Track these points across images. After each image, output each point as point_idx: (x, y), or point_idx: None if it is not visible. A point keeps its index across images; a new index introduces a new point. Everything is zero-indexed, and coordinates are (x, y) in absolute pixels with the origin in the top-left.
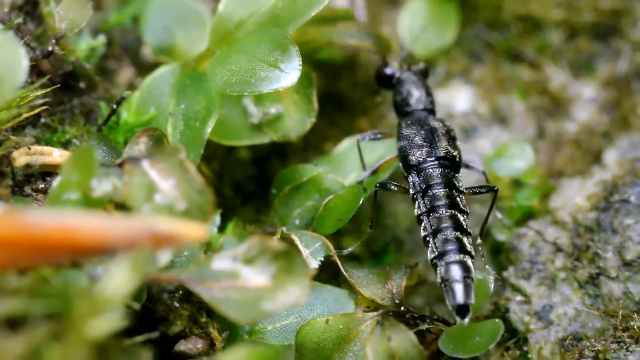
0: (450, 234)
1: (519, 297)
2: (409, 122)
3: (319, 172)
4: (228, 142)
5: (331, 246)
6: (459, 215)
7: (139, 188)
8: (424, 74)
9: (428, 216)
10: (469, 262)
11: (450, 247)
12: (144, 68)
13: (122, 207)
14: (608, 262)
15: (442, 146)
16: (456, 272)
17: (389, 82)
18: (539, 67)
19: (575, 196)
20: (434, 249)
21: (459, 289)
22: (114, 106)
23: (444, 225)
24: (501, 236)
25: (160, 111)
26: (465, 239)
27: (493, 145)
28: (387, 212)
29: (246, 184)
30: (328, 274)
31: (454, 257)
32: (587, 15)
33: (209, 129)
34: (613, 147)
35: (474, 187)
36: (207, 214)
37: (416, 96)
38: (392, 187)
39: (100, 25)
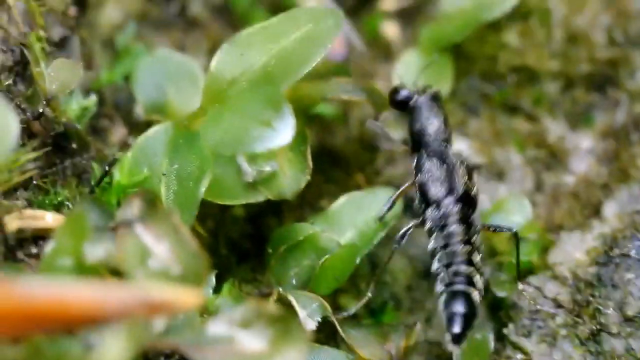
0: (462, 268)
1: (519, 356)
2: (430, 154)
3: (315, 231)
4: (223, 201)
5: (328, 307)
6: (473, 252)
7: (132, 253)
8: (437, 99)
9: (443, 249)
10: (476, 296)
11: (459, 278)
12: (137, 126)
13: (116, 271)
14: (609, 318)
15: (462, 183)
16: (460, 301)
17: (404, 106)
18: (535, 118)
19: (574, 250)
20: (444, 280)
21: (458, 317)
22: (107, 168)
23: (457, 259)
24: (501, 292)
25: (153, 171)
26: (477, 276)
27: (491, 199)
28: (385, 269)
29: (242, 242)
30: (326, 333)
31: (461, 287)
32: (583, 65)
33: (203, 189)
34: (612, 200)
35: (493, 225)
36: (201, 278)
37: (436, 126)
38: (409, 231)
39: (92, 84)
